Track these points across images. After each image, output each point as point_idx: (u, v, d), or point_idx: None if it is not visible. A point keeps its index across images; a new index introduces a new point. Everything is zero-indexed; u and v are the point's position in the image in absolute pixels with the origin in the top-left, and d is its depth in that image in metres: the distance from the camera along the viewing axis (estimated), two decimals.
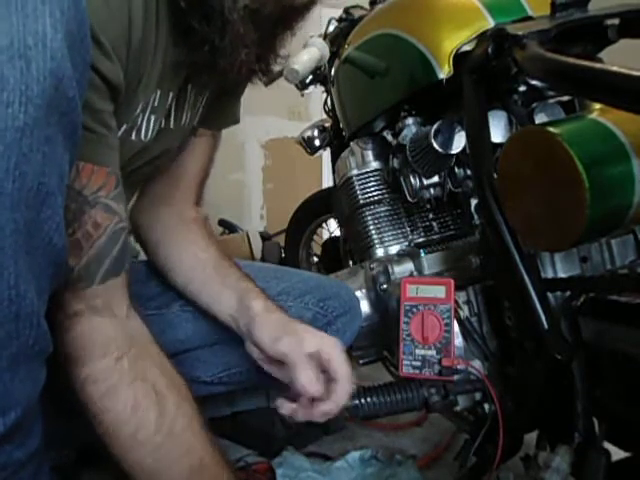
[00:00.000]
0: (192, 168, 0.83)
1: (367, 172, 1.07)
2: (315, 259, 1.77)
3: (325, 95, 1.38)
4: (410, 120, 0.97)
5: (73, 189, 0.51)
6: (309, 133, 1.45)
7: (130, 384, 0.57)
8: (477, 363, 0.82)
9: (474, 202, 0.93)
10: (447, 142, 0.87)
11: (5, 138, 0.36)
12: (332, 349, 0.67)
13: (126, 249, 0.59)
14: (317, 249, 1.75)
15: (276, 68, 0.69)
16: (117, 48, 0.51)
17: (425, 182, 0.97)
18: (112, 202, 0.55)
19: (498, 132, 0.85)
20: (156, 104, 0.63)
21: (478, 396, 0.81)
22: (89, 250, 0.54)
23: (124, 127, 0.60)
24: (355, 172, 1.08)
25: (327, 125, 1.42)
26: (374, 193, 1.06)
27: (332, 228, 1.72)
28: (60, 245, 0.44)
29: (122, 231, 0.57)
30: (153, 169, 0.75)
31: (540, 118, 0.85)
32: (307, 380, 0.64)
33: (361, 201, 1.07)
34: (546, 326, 0.68)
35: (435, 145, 0.87)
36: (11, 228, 0.38)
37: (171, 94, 0.66)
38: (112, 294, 0.58)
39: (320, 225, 1.71)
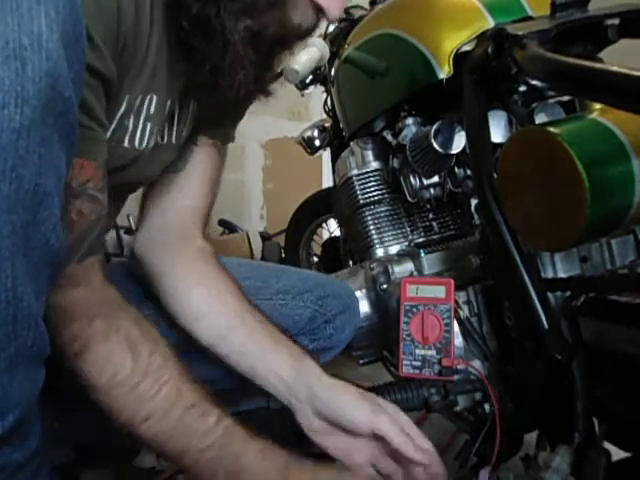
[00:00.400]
0: (199, 190, 0.78)
1: (367, 172, 1.07)
2: (315, 259, 1.77)
3: (325, 95, 1.38)
4: (410, 120, 0.97)
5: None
6: (309, 133, 1.45)
7: (104, 339, 0.59)
8: (477, 363, 0.81)
9: (474, 202, 0.93)
10: (447, 142, 0.87)
11: (1, 140, 0.36)
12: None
13: (103, 232, 0.60)
14: (317, 249, 1.75)
15: (274, 87, 0.69)
16: (106, 41, 0.51)
17: (425, 182, 0.97)
18: (98, 193, 0.56)
19: (498, 132, 0.85)
20: (152, 111, 0.62)
21: (478, 396, 0.81)
22: (69, 235, 0.54)
23: (112, 127, 0.59)
24: (355, 172, 1.08)
25: (327, 125, 1.42)
26: (374, 193, 1.06)
27: (332, 228, 1.72)
28: (57, 246, 0.44)
29: (102, 217, 0.58)
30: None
31: (540, 118, 0.85)
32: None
33: (361, 201, 1.07)
34: (546, 326, 0.68)
35: (435, 145, 0.87)
36: (8, 230, 0.38)
37: (169, 102, 0.65)
38: (89, 270, 0.60)
39: (320, 225, 1.72)
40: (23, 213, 0.39)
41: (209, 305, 0.74)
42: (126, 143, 0.61)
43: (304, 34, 0.62)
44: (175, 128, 0.70)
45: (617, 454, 0.67)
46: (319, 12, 0.59)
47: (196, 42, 0.57)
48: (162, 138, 0.68)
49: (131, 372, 0.59)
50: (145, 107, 0.61)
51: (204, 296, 0.75)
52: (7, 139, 0.36)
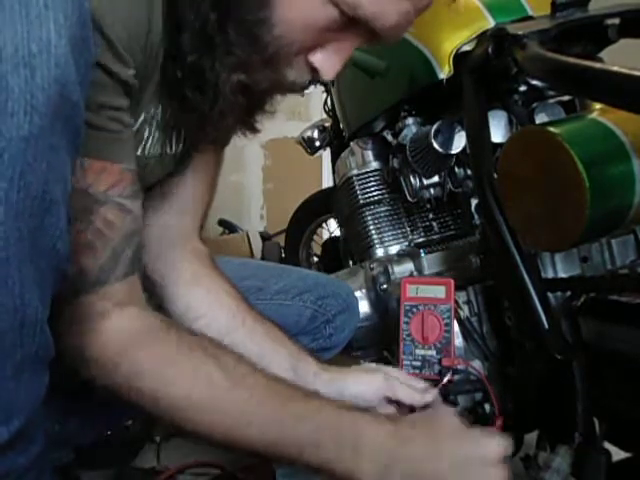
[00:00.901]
0: (197, 192, 0.77)
1: (367, 172, 1.07)
2: (315, 259, 1.77)
3: (325, 95, 1.38)
4: (410, 120, 0.97)
5: (79, 188, 0.50)
6: (309, 133, 1.45)
7: (186, 357, 0.57)
8: (477, 363, 0.82)
9: (474, 202, 0.93)
10: (447, 142, 0.87)
11: (10, 148, 0.36)
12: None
13: (141, 247, 0.58)
14: (317, 249, 1.75)
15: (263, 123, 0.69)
16: (132, 48, 0.51)
17: (425, 182, 0.97)
18: (126, 200, 0.54)
19: (498, 132, 0.85)
20: (159, 119, 0.62)
21: (478, 396, 0.81)
22: (104, 250, 0.53)
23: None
24: (355, 172, 1.08)
25: (327, 125, 1.42)
26: (374, 193, 1.06)
27: (332, 228, 1.72)
28: (63, 251, 0.44)
29: (138, 230, 0.57)
30: None
31: (540, 118, 0.84)
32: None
33: (361, 201, 1.07)
34: (546, 326, 0.68)
35: (435, 145, 0.87)
36: (16, 237, 0.38)
37: (169, 112, 0.64)
38: (132, 288, 0.58)
39: (320, 225, 1.71)
40: (30, 220, 0.39)
41: (208, 304, 0.74)
42: (139, 151, 0.61)
43: (297, 90, 0.62)
44: (174, 139, 0.70)
45: (617, 454, 0.67)
46: (314, 72, 0.59)
47: (189, 91, 0.56)
48: (170, 148, 0.68)
49: (225, 381, 0.57)
50: (156, 115, 0.61)
51: (203, 296, 0.75)
52: (16, 147, 0.36)
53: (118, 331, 0.56)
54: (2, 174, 0.36)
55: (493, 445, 0.57)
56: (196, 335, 0.61)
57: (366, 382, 0.72)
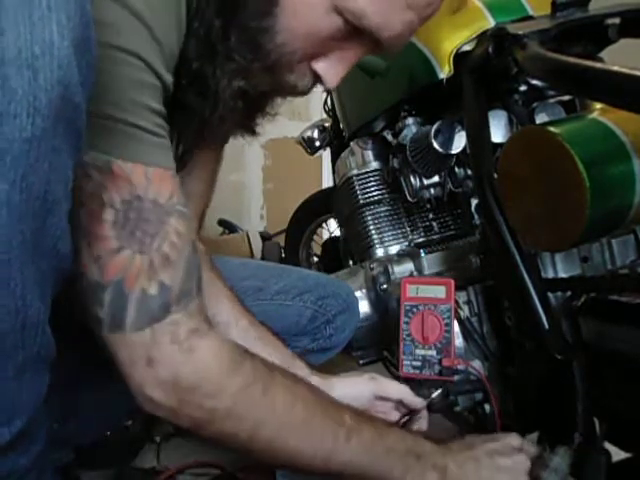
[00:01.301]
0: (196, 190, 0.76)
1: (367, 172, 1.07)
2: (315, 259, 1.77)
3: (325, 95, 1.38)
4: (410, 120, 0.97)
5: (147, 199, 0.49)
6: (309, 133, 1.45)
7: (272, 373, 0.57)
8: (477, 363, 0.82)
9: (474, 202, 0.93)
10: (447, 142, 0.87)
11: (13, 150, 0.36)
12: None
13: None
14: (317, 249, 1.75)
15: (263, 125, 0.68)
16: (172, 56, 0.51)
17: (425, 182, 0.97)
18: (184, 208, 0.53)
19: (498, 132, 0.85)
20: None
21: (478, 396, 0.81)
22: (180, 263, 0.51)
23: None
24: (355, 172, 1.08)
25: (327, 125, 1.42)
26: (374, 193, 1.06)
27: (332, 228, 1.72)
28: (64, 251, 0.44)
29: (195, 238, 0.56)
30: None
31: (541, 118, 0.84)
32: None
33: (361, 201, 1.06)
34: (546, 326, 0.67)
35: (435, 145, 0.87)
36: (18, 240, 0.38)
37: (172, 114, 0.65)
38: (211, 301, 0.58)
39: (320, 225, 1.71)
40: (33, 221, 0.39)
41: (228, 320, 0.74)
42: None
43: (299, 94, 0.61)
44: (175, 140, 0.69)
45: (617, 454, 0.67)
46: (316, 79, 0.59)
47: (192, 98, 0.55)
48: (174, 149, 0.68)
49: (315, 401, 0.58)
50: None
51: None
52: (19, 149, 0.36)
53: (217, 350, 0.53)
54: (4, 176, 0.36)
55: (512, 437, 0.67)
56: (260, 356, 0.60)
57: (351, 384, 0.75)
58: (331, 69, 0.58)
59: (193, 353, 0.51)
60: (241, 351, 0.56)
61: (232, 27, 0.52)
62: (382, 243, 1.04)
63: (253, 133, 0.67)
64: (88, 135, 0.45)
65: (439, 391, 0.78)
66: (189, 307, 0.52)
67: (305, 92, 0.61)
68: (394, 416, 0.78)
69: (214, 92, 0.55)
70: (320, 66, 0.57)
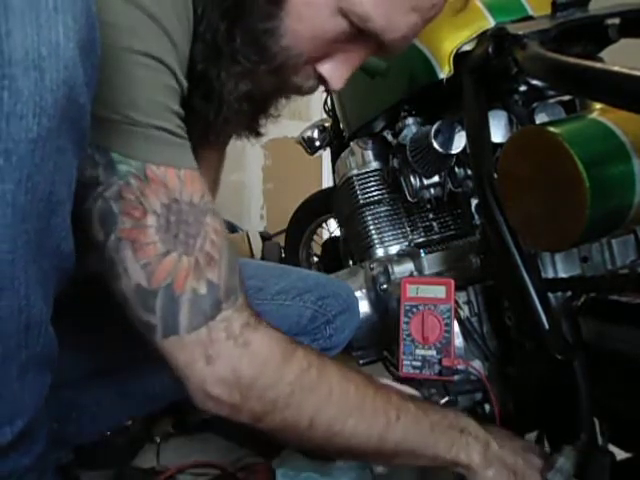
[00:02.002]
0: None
1: (367, 172, 1.07)
2: (315, 259, 1.77)
3: (325, 95, 1.38)
4: (410, 120, 0.97)
5: (183, 201, 0.49)
6: (309, 133, 1.45)
7: (323, 358, 0.58)
8: (477, 363, 0.81)
9: (474, 202, 0.93)
10: (447, 142, 0.87)
11: (19, 150, 0.36)
12: None
13: None
14: (317, 249, 1.75)
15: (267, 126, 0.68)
16: (184, 60, 0.52)
17: (425, 182, 0.97)
18: (214, 205, 0.54)
19: (498, 132, 0.85)
20: None
21: (478, 396, 0.81)
22: (223, 260, 0.52)
23: None
24: (355, 172, 1.08)
25: (327, 125, 1.42)
26: (374, 193, 1.06)
27: (332, 228, 1.72)
28: (67, 251, 0.44)
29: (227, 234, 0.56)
30: None
31: (541, 118, 0.84)
32: None
33: (361, 201, 1.06)
34: (546, 326, 0.67)
35: (435, 145, 0.87)
36: (23, 240, 0.38)
37: None
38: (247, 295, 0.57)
39: (320, 225, 1.71)
40: (37, 221, 0.39)
41: None
42: None
43: (304, 94, 0.62)
44: None
45: (617, 455, 0.67)
46: (321, 80, 0.59)
47: (197, 101, 0.56)
48: None
49: (365, 384, 0.59)
50: None
51: None
52: (24, 149, 0.36)
53: (270, 341, 0.54)
54: (10, 176, 0.36)
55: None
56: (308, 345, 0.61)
57: None
58: (336, 71, 0.58)
59: (249, 346, 0.52)
60: (291, 340, 0.57)
61: (237, 29, 0.52)
62: (382, 243, 1.04)
63: (257, 134, 0.67)
64: (118, 140, 0.46)
65: (445, 399, 0.77)
66: (237, 302, 0.53)
67: (309, 93, 0.62)
68: None
69: (219, 94, 0.55)
70: (325, 68, 0.57)
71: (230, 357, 0.51)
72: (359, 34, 0.54)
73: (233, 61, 0.54)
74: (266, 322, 0.57)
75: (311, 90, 0.61)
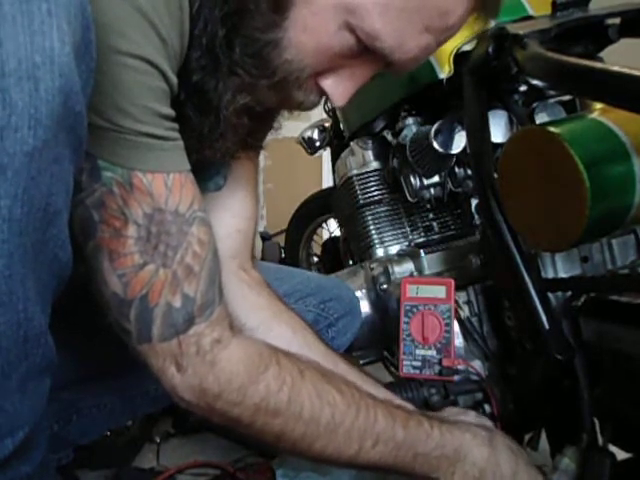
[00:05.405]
0: (245, 209, 0.72)
1: (367, 172, 1.07)
2: (315, 259, 1.77)
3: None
4: (410, 120, 0.97)
5: (168, 210, 0.48)
6: (309, 133, 1.45)
7: (302, 377, 0.57)
8: (477, 363, 0.81)
9: (474, 202, 0.93)
10: (447, 142, 0.87)
11: (14, 164, 0.35)
12: None
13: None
14: (317, 249, 1.74)
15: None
16: (175, 58, 0.49)
17: (425, 182, 0.97)
18: (205, 213, 0.52)
19: (498, 132, 0.85)
20: None
21: (478, 396, 0.81)
22: (203, 273, 0.51)
23: None
24: (355, 172, 1.08)
25: (327, 125, 1.42)
26: (374, 193, 1.06)
27: (332, 228, 1.72)
28: (65, 259, 0.43)
29: (215, 241, 0.54)
30: None
31: (541, 118, 0.84)
32: None
33: (361, 201, 1.06)
34: (547, 326, 0.67)
35: (435, 145, 0.86)
36: (20, 254, 0.37)
37: None
38: (227, 309, 0.55)
39: (320, 225, 1.71)
40: (34, 234, 0.38)
41: (299, 347, 0.68)
42: None
43: (305, 109, 0.59)
44: None
45: (618, 455, 0.67)
46: (324, 95, 0.56)
47: (191, 112, 0.53)
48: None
49: (346, 407, 0.57)
50: None
51: (289, 336, 0.70)
52: (20, 162, 0.35)
53: (239, 360, 0.53)
54: (6, 191, 0.35)
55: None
56: (293, 356, 0.59)
57: None
58: (339, 87, 0.55)
59: (216, 365, 0.52)
60: (268, 355, 0.56)
61: (237, 38, 0.50)
62: (382, 243, 1.04)
63: (257, 149, 0.65)
64: (104, 147, 0.45)
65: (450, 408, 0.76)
66: (212, 317, 0.52)
67: (311, 108, 0.59)
68: None
69: (215, 108, 0.52)
70: (327, 83, 0.55)
71: (197, 372, 0.52)
72: (366, 50, 0.51)
73: (231, 73, 0.51)
74: (244, 336, 0.56)
75: (313, 105, 0.58)
